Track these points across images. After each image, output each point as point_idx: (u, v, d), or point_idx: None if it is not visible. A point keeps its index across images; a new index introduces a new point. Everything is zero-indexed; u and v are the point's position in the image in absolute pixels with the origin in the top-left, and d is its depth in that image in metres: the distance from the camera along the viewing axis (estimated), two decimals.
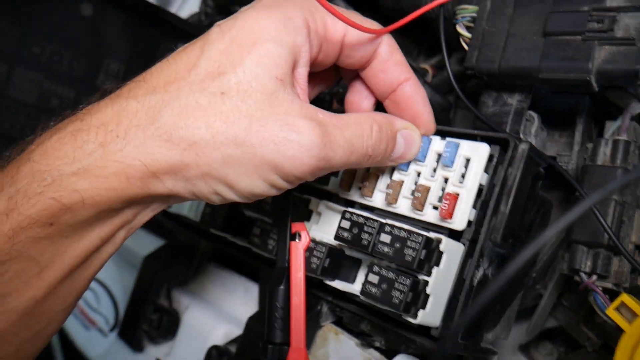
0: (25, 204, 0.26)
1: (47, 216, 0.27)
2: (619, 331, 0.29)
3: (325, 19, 0.31)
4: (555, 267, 0.40)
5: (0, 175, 0.28)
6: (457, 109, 0.48)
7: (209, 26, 0.55)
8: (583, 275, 0.32)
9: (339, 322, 0.38)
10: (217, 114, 0.28)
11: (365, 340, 0.37)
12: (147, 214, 0.31)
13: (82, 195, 0.27)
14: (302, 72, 0.31)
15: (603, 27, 0.29)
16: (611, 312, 0.27)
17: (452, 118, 0.46)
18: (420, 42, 0.61)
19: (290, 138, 0.27)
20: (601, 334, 0.38)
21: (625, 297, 0.27)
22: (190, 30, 0.54)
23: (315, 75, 0.35)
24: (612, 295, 0.32)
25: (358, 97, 0.36)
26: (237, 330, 0.43)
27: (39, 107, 0.49)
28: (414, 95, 0.33)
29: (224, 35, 0.29)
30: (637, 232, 0.32)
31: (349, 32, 0.32)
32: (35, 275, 0.28)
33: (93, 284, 0.56)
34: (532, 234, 0.35)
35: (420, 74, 0.43)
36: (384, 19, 0.57)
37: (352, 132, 0.30)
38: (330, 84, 0.38)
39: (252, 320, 0.39)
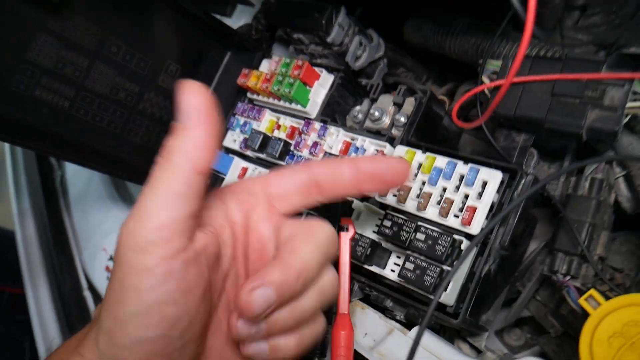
0: None
1: None
2: (581, 319, 0.40)
3: None
4: (533, 270, 0.51)
5: None
6: (463, 134, 0.58)
7: (257, 40, 0.63)
8: (560, 275, 0.43)
9: (365, 300, 0.48)
10: None
11: (388, 314, 0.46)
12: None
13: None
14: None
15: (595, 95, 0.39)
16: (582, 301, 0.38)
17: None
18: (430, 68, 0.71)
19: None
20: (564, 323, 0.49)
21: (593, 291, 0.37)
22: (239, 41, 0.63)
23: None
24: (578, 291, 0.42)
25: None
26: None
27: (109, 97, 0.56)
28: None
29: None
30: (602, 247, 0.43)
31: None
32: None
33: None
34: (522, 241, 0.46)
35: (440, 104, 0.53)
36: (409, 55, 0.66)
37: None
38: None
39: None
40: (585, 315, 0.38)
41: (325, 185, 0.35)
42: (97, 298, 0.67)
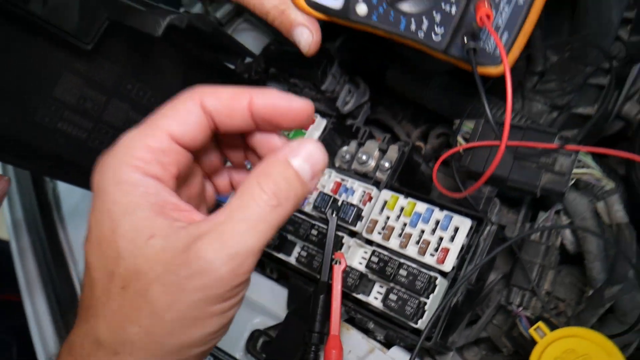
0: None
1: None
2: (530, 344, 0.48)
3: None
4: (491, 297, 0.59)
5: None
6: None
7: (256, 81, 0.70)
8: (514, 306, 0.52)
9: (350, 321, 0.55)
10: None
11: (370, 335, 0.54)
12: None
13: None
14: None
15: (548, 161, 0.48)
16: (532, 331, 0.46)
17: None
18: (405, 108, 0.79)
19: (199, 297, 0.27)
20: (515, 344, 0.58)
21: (540, 323, 0.46)
22: (239, 80, 0.69)
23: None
24: (528, 320, 0.51)
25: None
26: (270, 321, 0.59)
27: (123, 129, 0.62)
28: (268, 102, 0.32)
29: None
30: (549, 284, 0.52)
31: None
32: None
33: None
34: (485, 276, 0.55)
35: (417, 151, 0.61)
36: (388, 95, 0.74)
37: (242, 211, 0.28)
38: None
39: (291, 314, 0.55)
40: (533, 342, 0.47)
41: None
42: None
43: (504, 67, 0.38)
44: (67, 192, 0.86)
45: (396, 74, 0.69)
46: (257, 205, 0.28)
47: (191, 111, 0.31)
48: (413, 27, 0.42)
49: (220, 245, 0.27)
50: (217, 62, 0.66)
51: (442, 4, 0.41)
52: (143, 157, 0.29)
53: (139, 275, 0.27)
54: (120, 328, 0.28)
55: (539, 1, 0.40)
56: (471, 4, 0.40)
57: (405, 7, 0.42)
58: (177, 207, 0.29)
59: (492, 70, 0.42)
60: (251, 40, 0.77)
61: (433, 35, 0.42)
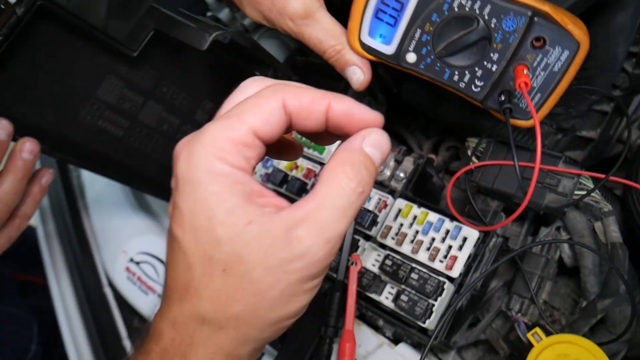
0: None
1: None
2: (527, 347, 0.53)
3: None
4: (492, 303, 0.64)
5: None
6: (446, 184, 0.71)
7: None
8: (513, 312, 0.56)
9: (360, 317, 0.60)
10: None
11: (379, 331, 0.59)
12: None
13: None
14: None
15: (553, 182, 0.52)
16: (529, 335, 0.51)
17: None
18: (417, 119, 0.84)
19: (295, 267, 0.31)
20: (511, 347, 0.62)
21: (537, 329, 0.51)
22: None
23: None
24: (526, 326, 0.56)
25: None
26: None
27: (156, 129, 0.66)
28: (346, 108, 0.34)
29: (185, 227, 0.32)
30: (546, 294, 0.57)
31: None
32: None
33: (153, 260, 0.75)
34: (488, 283, 0.59)
35: (430, 163, 0.65)
36: (401, 107, 0.78)
37: (332, 199, 0.31)
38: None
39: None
40: (530, 345, 0.51)
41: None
42: (117, 295, 0.76)
43: (535, 124, 0.43)
44: (90, 180, 0.90)
45: (412, 88, 0.73)
46: (345, 193, 0.31)
47: (274, 110, 0.32)
48: (456, 78, 0.47)
49: (317, 232, 0.30)
50: (248, 70, 0.70)
51: (485, 62, 0.45)
52: (229, 150, 0.31)
53: (240, 258, 0.30)
54: (226, 306, 0.31)
55: (572, 70, 0.44)
56: (511, 65, 0.45)
57: (451, 60, 0.46)
58: (262, 194, 0.32)
59: (522, 122, 0.47)
60: (275, 48, 0.81)
61: (473, 87, 0.47)
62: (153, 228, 0.78)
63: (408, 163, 0.63)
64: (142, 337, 0.34)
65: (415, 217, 0.57)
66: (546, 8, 0.43)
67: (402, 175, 0.62)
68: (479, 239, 0.54)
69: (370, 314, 0.58)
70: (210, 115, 0.70)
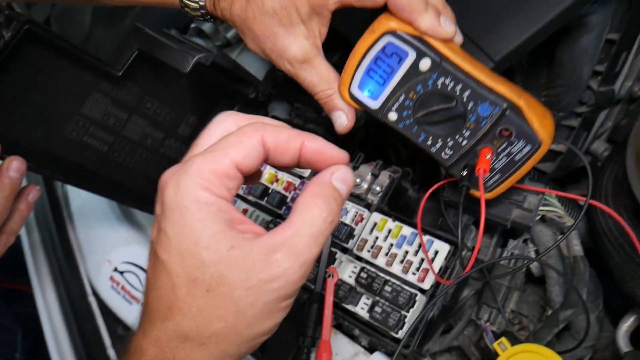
0: None
1: None
2: (495, 356, 0.56)
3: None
4: (464, 311, 0.67)
5: None
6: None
7: (262, 102, 0.76)
8: (482, 321, 0.59)
9: (337, 327, 0.62)
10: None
11: (355, 340, 0.61)
12: None
13: None
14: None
15: (519, 199, 0.55)
16: (495, 345, 0.54)
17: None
18: (396, 133, 0.86)
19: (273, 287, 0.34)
20: (482, 354, 0.65)
21: (503, 339, 0.53)
22: (246, 102, 0.76)
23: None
24: (494, 334, 0.59)
25: None
26: None
27: (140, 143, 0.68)
28: (317, 147, 0.38)
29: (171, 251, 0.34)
30: (513, 304, 0.59)
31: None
32: None
33: (137, 270, 0.76)
34: (459, 293, 0.62)
35: (405, 175, 0.68)
36: (379, 125, 0.80)
37: (306, 228, 0.35)
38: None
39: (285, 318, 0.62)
40: (497, 354, 0.54)
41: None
42: (101, 304, 0.78)
43: (481, 206, 0.48)
44: (75, 191, 0.91)
45: None
46: (317, 223, 0.35)
47: (254, 146, 0.36)
48: (429, 142, 0.50)
49: (294, 257, 0.34)
50: (229, 87, 0.73)
51: (457, 136, 0.49)
52: (213, 181, 0.34)
53: (223, 279, 0.33)
54: (208, 323, 0.34)
55: (530, 163, 0.48)
56: (479, 145, 0.48)
57: (427, 127, 0.50)
58: (242, 221, 0.36)
59: (478, 194, 0.50)
60: (257, 62, 0.83)
61: (442, 154, 0.50)
62: (137, 238, 0.79)
63: (384, 177, 0.65)
64: (122, 354, 0.36)
65: (390, 231, 0.60)
66: (521, 102, 0.46)
67: (378, 189, 0.64)
68: (449, 252, 0.57)
69: (347, 323, 0.60)
70: (193, 129, 0.72)
